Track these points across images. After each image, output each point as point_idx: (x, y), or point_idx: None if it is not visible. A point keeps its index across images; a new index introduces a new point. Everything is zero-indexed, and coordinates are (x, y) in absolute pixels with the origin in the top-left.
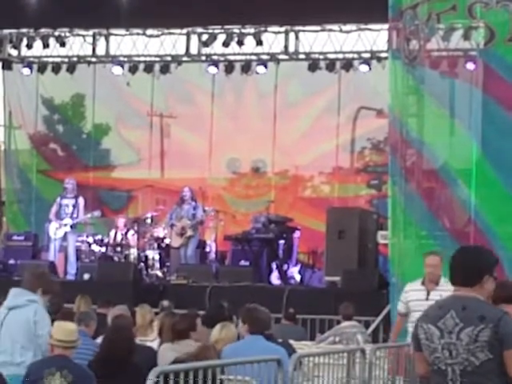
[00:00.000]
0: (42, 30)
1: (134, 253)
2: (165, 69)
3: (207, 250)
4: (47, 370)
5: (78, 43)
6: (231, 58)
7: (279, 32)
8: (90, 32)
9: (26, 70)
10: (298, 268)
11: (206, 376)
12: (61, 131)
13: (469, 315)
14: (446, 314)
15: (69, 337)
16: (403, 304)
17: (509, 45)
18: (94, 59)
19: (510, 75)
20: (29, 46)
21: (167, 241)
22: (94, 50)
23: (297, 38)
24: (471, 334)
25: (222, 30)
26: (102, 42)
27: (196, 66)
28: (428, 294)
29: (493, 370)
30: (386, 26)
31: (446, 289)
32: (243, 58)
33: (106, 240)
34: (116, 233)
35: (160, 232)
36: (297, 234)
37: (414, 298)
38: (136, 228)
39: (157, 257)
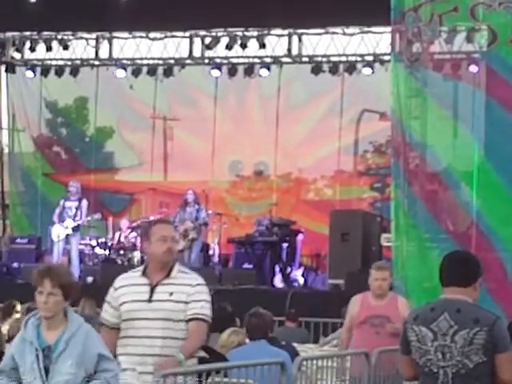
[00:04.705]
0: (45, 33)
1: (137, 255)
2: (168, 72)
3: (210, 253)
4: None
5: (81, 46)
6: (234, 60)
7: (282, 35)
8: (93, 35)
9: (30, 73)
10: (301, 271)
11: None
12: (64, 134)
13: (463, 317)
14: (440, 316)
15: None
16: (112, 309)
17: (511, 46)
18: (97, 62)
19: None
20: (32, 49)
21: None
22: (97, 53)
23: (300, 40)
24: (466, 337)
25: (225, 33)
26: (105, 45)
27: (199, 69)
28: (152, 292)
29: (485, 373)
30: (389, 28)
31: (182, 282)
32: (246, 60)
33: (109, 243)
34: (120, 236)
35: None
36: (300, 237)
37: (130, 299)
38: (139, 231)
39: None
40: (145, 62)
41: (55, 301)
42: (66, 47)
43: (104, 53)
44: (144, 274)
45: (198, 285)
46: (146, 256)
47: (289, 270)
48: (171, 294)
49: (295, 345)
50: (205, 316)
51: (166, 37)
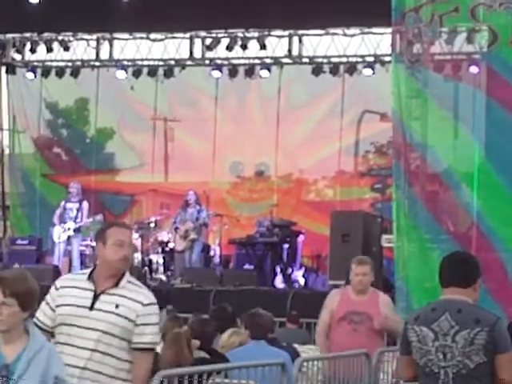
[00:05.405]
0: (46, 35)
1: (137, 257)
2: (168, 73)
3: (211, 253)
4: None
5: (82, 47)
6: (235, 61)
7: (283, 36)
8: (94, 36)
9: (30, 75)
10: (302, 272)
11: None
12: (64, 135)
13: (464, 318)
14: (441, 316)
15: None
16: (50, 310)
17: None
18: (97, 63)
19: None
20: (32, 51)
21: (171, 245)
22: (97, 54)
23: (300, 41)
24: (467, 337)
25: (226, 34)
26: (105, 46)
27: (200, 70)
28: (95, 298)
29: (486, 373)
30: (390, 29)
31: (131, 296)
32: (247, 61)
33: None
34: None
35: (164, 236)
36: (301, 238)
37: (69, 302)
38: (140, 232)
39: (161, 261)
40: (145, 62)
41: (10, 312)
42: (66, 48)
43: (104, 54)
44: (90, 278)
45: (149, 304)
46: (98, 259)
47: (289, 270)
48: (117, 306)
49: (296, 346)
50: (155, 345)
51: (166, 38)
